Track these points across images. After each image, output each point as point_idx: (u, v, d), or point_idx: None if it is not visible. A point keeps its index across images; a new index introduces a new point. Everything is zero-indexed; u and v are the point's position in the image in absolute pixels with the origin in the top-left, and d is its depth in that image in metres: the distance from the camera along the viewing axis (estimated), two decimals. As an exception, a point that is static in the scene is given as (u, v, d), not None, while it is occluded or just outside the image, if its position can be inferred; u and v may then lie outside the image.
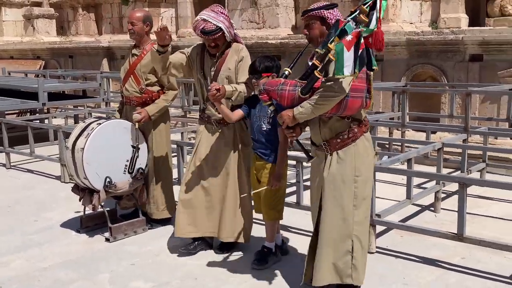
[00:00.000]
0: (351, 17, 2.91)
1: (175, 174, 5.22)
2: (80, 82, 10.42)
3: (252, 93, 3.96)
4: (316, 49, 3.04)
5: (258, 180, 3.87)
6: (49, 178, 6.70)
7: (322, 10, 3.10)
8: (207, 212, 4.11)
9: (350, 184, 3.09)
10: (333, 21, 3.06)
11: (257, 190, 3.80)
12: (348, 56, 2.76)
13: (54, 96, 8.89)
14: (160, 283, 3.73)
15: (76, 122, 9.05)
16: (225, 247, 4.20)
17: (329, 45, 2.85)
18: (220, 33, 3.85)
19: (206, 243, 4.27)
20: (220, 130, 4.07)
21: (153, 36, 4.55)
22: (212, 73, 4.02)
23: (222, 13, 3.89)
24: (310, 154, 3.32)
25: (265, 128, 3.79)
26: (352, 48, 2.76)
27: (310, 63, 3.10)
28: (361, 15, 2.80)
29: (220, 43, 3.93)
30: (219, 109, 3.79)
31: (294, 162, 4.68)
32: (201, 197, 4.11)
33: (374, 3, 2.79)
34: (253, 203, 4.08)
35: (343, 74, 2.77)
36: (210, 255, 4.17)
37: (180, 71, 4.11)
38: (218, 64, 3.99)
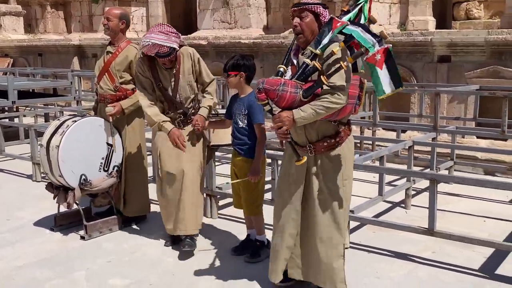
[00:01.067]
0: (346, 17, 2.91)
1: (150, 172, 5.22)
2: (50, 80, 10.27)
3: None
4: (309, 48, 2.96)
5: (236, 175, 3.96)
6: (20, 177, 6.60)
7: (319, 6, 3.02)
8: (175, 210, 4.20)
9: (340, 188, 3.09)
10: (322, 19, 3.01)
11: (235, 181, 3.91)
12: (384, 74, 2.76)
13: (23, 94, 8.75)
14: (137, 279, 3.74)
15: (46, 120, 8.95)
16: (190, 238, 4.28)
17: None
18: (174, 52, 4.00)
19: None
20: (185, 128, 4.19)
21: (128, 35, 4.56)
22: (172, 83, 4.13)
23: (171, 32, 3.99)
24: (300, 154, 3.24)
25: (241, 125, 3.88)
26: (384, 66, 2.76)
27: (295, 60, 3.07)
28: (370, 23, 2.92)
29: (174, 58, 4.07)
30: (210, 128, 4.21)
31: (269, 160, 4.73)
32: (170, 195, 4.20)
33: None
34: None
35: (385, 93, 2.79)
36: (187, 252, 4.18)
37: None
38: (176, 74, 4.12)
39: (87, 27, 14.59)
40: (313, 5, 3.01)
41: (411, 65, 7.87)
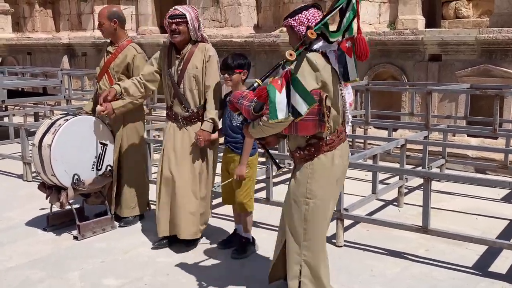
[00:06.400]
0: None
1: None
2: (40, 79, 10.18)
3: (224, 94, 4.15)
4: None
5: (228, 172, 4.01)
6: (11, 177, 6.54)
7: (288, 19, 2.99)
8: (173, 210, 4.14)
9: (300, 206, 2.95)
10: (298, 28, 2.94)
11: (224, 183, 3.93)
12: (280, 99, 2.68)
13: (12, 93, 8.66)
14: (131, 279, 3.72)
15: (36, 119, 8.88)
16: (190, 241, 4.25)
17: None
18: (184, 19, 3.99)
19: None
20: (187, 128, 4.14)
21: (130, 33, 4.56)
22: (179, 71, 4.09)
23: (192, 7, 4.09)
24: (278, 163, 3.27)
25: (235, 124, 3.93)
26: (284, 90, 2.69)
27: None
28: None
29: (181, 29, 4.02)
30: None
31: (263, 159, 4.73)
32: (169, 196, 4.14)
33: (348, 5, 2.75)
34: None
35: (277, 118, 2.69)
36: (180, 252, 4.17)
37: (156, 81, 4.26)
38: (184, 62, 4.08)
39: (76, 26, 14.46)
40: (285, 21, 3.00)
41: (402, 64, 7.89)
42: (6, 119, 8.25)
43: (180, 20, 3.99)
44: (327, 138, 2.92)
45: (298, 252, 3.00)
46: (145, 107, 8.83)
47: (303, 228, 2.97)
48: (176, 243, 4.23)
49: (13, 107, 9.84)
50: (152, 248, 4.24)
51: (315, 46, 2.84)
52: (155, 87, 4.31)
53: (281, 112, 2.69)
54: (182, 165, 4.10)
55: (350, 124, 3.06)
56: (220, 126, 4.15)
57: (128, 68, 4.57)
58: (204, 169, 4.17)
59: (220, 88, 4.16)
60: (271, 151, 3.48)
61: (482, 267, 3.88)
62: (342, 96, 2.94)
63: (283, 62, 2.77)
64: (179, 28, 4.00)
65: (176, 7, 4.08)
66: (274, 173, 3.04)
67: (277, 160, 3.38)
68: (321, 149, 2.92)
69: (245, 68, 3.87)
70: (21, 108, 9.42)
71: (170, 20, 4.01)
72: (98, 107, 4.43)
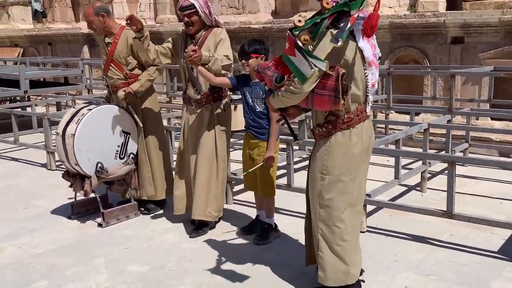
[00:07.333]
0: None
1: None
2: (61, 69, 10.27)
3: (242, 73, 4.14)
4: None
5: (251, 158, 4.01)
6: (35, 166, 6.64)
7: None
8: (187, 191, 4.33)
9: (317, 181, 3.01)
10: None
11: (252, 168, 3.88)
12: (299, 61, 2.68)
13: (34, 83, 8.76)
14: (155, 266, 3.76)
15: (58, 109, 8.99)
16: (199, 226, 4.32)
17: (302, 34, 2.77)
18: (194, 10, 4.02)
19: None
20: (198, 111, 4.22)
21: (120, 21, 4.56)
22: None
23: None
24: (297, 136, 3.32)
25: (259, 109, 3.95)
26: (296, 52, 2.67)
27: None
28: (323, 2, 2.71)
29: (194, 20, 4.07)
30: (198, 72, 3.96)
31: (284, 146, 4.72)
32: (185, 177, 4.33)
33: None
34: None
35: (306, 80, 2.68)
36: (204, 238, 4.21)
37: (168, 58, 4.32)
38: (198, 46, 4.12)
39: (95, 15, 14.53)
40: None
41: (424, 47, 7.78)
42: (29, 109, 8.36)
43: (190, 11, 4.03)
44: (345, 116, 2.92)
45: (315, 225, 3.08)
46: (165, 95, 8.97)
47: (318, 203, 3.02)
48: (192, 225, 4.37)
49: (35, 97, 9.96)
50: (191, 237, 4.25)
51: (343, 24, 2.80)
52: (164, 62, 4.35)
53: (307, 70, 2.67)
54: (194, 148, 4.23)
55: (370, 105, 3.03)
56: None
57: (132, 50, 4.53)
58: (215, 152, 4.24)
59: (231, 60, 4.11)
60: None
61: (508, 252, 3.82)
62: (366, 76, 2.91)
63: (292, 28, 2.75)
64: (192, 19, 4.07)
65: None
66: (292, 144, 3.05)
67: (295, 132, 3.37)
68: (338, 127, 2.93)
69: (261, 53, 3.88)
70: (43, 98, 9.51)
71: (181, 12, 4.07)
72: (119, 93, 4.49)
